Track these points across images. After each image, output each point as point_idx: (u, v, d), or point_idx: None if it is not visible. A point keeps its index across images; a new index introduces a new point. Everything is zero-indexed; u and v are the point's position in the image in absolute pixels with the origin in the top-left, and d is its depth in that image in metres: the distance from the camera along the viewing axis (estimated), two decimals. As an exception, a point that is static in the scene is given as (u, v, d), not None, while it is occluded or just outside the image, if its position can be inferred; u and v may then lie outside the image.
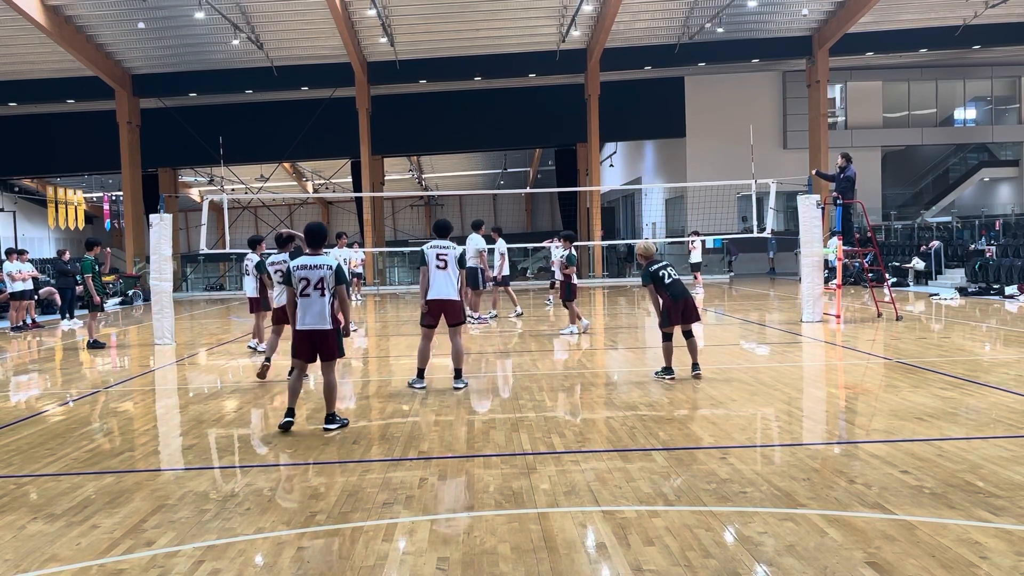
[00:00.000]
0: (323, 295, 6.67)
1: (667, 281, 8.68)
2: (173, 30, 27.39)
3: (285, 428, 6.83)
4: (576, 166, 37.50)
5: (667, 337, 8.82)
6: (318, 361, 6.94)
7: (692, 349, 8.90)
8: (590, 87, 30.27)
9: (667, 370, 8.87)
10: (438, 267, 8.56)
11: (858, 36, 29.06)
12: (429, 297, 8.57)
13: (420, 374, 8.83)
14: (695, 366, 8.86)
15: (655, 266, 8.78)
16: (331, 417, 6.93)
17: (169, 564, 4.05)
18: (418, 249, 9.83)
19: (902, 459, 5.49)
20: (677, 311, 8.66)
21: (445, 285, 8.57)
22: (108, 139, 31.07)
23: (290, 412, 6.91)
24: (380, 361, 11.56)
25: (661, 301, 8.76)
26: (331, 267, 6.70)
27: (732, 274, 31.35)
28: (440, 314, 8.63)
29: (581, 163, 36.89)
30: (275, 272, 10.03)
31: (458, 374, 8.82)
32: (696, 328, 9.24)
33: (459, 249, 8.71)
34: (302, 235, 7.26)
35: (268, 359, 9.89)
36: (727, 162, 29.61)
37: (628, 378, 9.29)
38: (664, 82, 33.44)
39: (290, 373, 7.07)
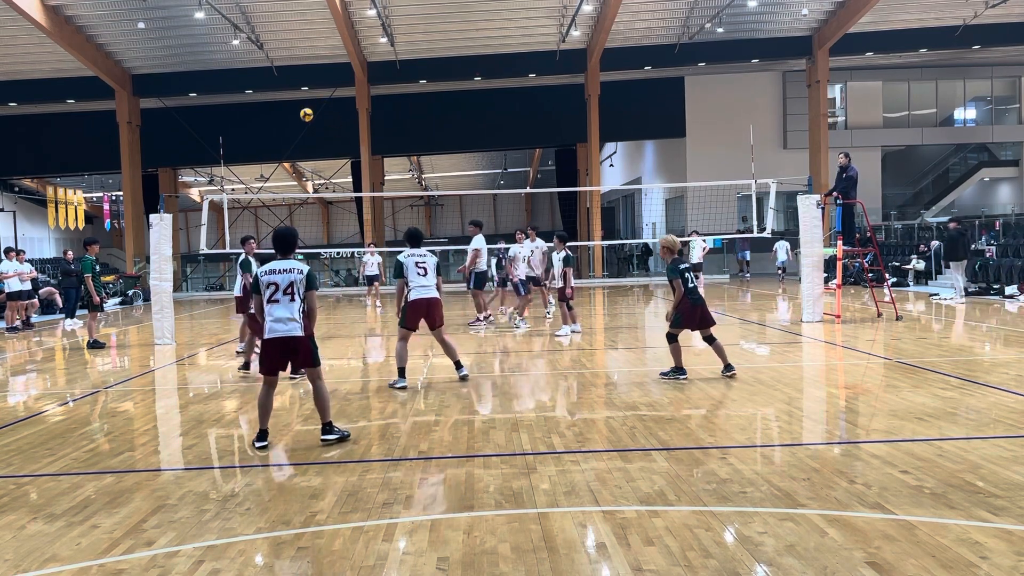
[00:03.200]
0: (293, 300, 6.27)
1: (690, 285, 8.63)
2: (173, 30, 27.39)
3: (262, 450, 6.30)
4: (576, 166, 37.50)
5: (673, 338, 8.78)
6: (284, 372, 6.60)
7: (719, 351, 8.83)
8: (590, 87, 30.27)
9: (679, 370, 8.79)
10: (419, 274, 8.76)
11: (858, 36, 29.06)
12: (413, 297, 8.71)
13: (401, 373, 8.86)
14: (728, 367, 8.79)
15: (683, 265, 8.70)
16: (328, 427, 6.47)
17: (169, 564, 4.05)
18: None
19: (902, 459, 5.49)
20: (694, 317, 8.65)
21: (428, 287, 8.77)
22: (108, 139, 31.08)
23: (263, 435, 6.36)
24: (380, 361, 11.55)
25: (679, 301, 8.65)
26: (302, 271, 6.35)
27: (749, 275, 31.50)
28: (422, 317, 8.76)
29: (581, 163, 36.88)
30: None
31: (459, 365, 9.06)
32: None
33: (435, 258, 8.94)
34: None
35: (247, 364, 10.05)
36: (727, 162, 29.60)
37: (628, 378, 9.28)
38: (664, 82, 33.44)
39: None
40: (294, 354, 6.37)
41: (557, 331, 13.45)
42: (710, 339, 8.83)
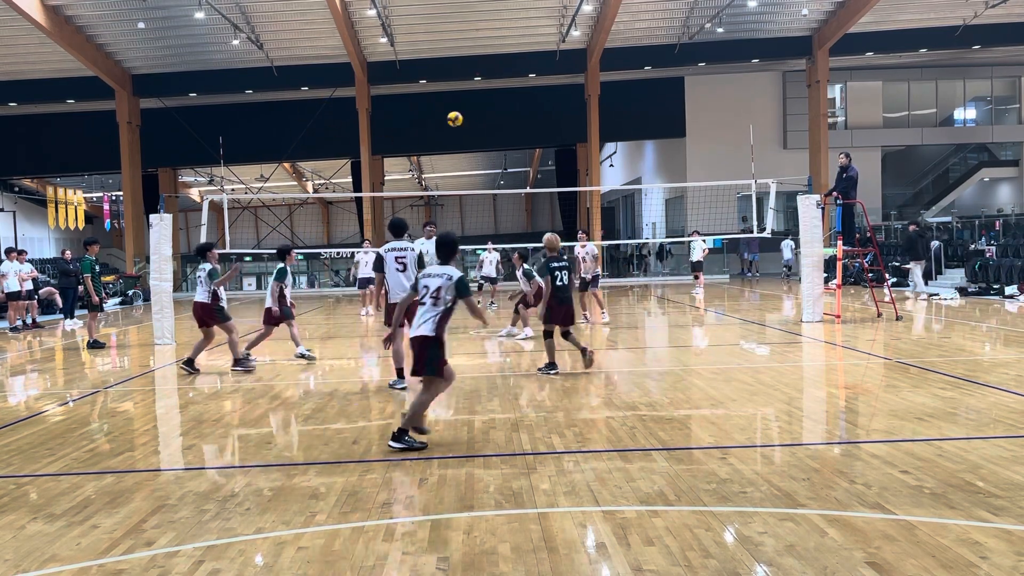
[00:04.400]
0: (436, 304, 6.30)
1: (558, 283, 9.25)
2: (173, 30, 27.40)
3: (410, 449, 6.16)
4: (576, 166, 37.51)
5: (548, 335, 9.46)
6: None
7: (575, 342, 9.52)
8: (590, 87, 30.27)
9: (551, 365, 9.40)
10: (397, 269, 8.71)
11: (858, 36, 29.07)
12: (391, 299, 8.72)
13: (399, 374, 8.77)
14: (552, 365, 9.45)
15: (555, 264, 9.29)
16: (399, 434, 6.17)
17: (169, 564, 4.05)
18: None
19: (902, 459, 5.49)
20: (559, 314, 9.31)
21: (406, 287, 8.57)
22: (108, 139, 31.10)
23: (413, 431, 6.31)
24: (381, 361, 11.55)
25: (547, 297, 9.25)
26: (451, 277, 6.32)
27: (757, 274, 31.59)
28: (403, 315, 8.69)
29: (581, 163, 36.90)
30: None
31: (399, 373, 8.77)
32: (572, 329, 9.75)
33: (417, 250, 8.88)
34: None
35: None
36: (727, 162, 29.61)
37: (628, 378, 9.28)
38: (664, 82, 33.45)
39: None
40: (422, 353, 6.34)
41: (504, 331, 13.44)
42: (567, 334, 9.48)
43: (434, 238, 14.97)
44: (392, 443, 6.15)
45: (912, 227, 18.77)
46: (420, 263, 8.80)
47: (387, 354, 11.77)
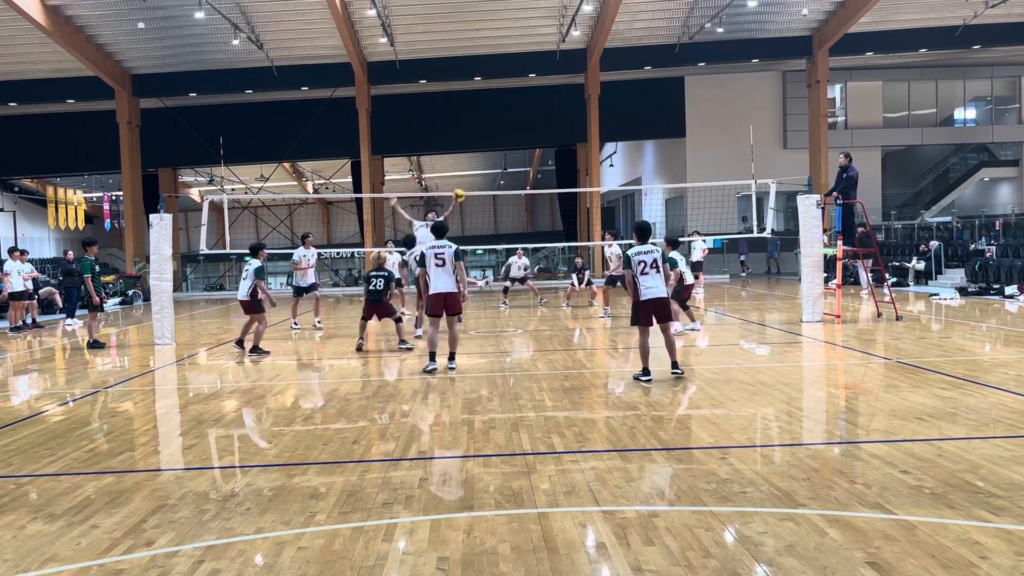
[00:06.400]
0: (658, 272, 8.76)
1: (371, 288, 12.01)
2: (173, 30, 27.39)
3: (648, 382, 8.60)
4: (576, 166, 37.48)
5: (364, 320, 12.27)
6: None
7: (398, 332, 12.28)
8: (590, 87, 30.26)
9: (359, 347, 12.01)
10: (437, 265, 9.75)
11: (858, 36, 29.05)
12: (432, 292, 9.76)
13: (432, 357, 9.87)
14: (402, 342, 12.10)
15: (373, 273, 12.16)
16: (675, 364, 8.93)
17: (169, 564, 4.05)
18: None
19: (902, 459, 5.49)
20: (370, 311, 12.11)
21: (445, 280, 9.73)
22: (108, 139, 31.06)
23: (645, 371, 8.78)
24: (382, 360, 11.55)
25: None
26: (659, 250, 8.85)
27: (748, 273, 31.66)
28: (442, 306, 9.77)
29: (581, 163, 36.87)
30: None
31: (451, 357, 10.00)
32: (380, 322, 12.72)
33: (454, 246, 9.84)
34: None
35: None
36: (727, 162, 29.61)
37: (628, 378, 9.28)
38: (664, 82, 33.43)
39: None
40: (662, 310, 8.72)
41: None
42: (397, 320, 12.30)
43: (313, 248, 15.75)
44: (674, 370, 8.82)
45: (861, 228, 19.09)
46: (458, 255, 9.77)
47: (387, 355, 11.78)
